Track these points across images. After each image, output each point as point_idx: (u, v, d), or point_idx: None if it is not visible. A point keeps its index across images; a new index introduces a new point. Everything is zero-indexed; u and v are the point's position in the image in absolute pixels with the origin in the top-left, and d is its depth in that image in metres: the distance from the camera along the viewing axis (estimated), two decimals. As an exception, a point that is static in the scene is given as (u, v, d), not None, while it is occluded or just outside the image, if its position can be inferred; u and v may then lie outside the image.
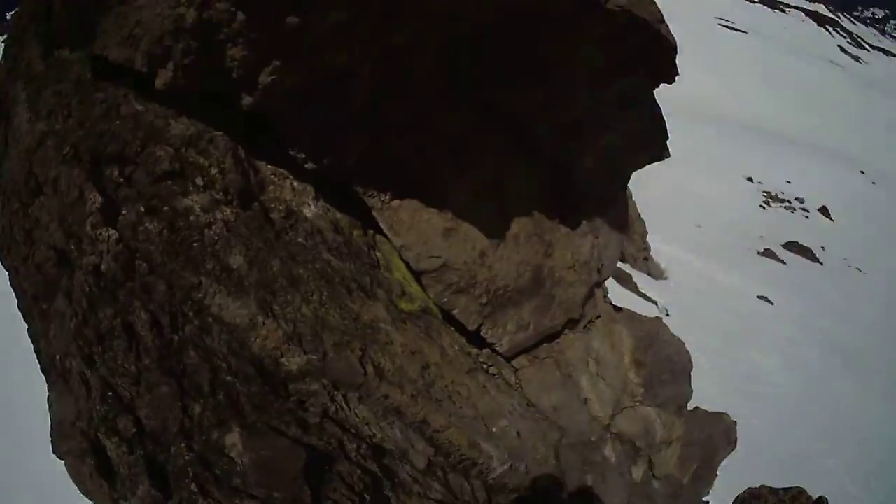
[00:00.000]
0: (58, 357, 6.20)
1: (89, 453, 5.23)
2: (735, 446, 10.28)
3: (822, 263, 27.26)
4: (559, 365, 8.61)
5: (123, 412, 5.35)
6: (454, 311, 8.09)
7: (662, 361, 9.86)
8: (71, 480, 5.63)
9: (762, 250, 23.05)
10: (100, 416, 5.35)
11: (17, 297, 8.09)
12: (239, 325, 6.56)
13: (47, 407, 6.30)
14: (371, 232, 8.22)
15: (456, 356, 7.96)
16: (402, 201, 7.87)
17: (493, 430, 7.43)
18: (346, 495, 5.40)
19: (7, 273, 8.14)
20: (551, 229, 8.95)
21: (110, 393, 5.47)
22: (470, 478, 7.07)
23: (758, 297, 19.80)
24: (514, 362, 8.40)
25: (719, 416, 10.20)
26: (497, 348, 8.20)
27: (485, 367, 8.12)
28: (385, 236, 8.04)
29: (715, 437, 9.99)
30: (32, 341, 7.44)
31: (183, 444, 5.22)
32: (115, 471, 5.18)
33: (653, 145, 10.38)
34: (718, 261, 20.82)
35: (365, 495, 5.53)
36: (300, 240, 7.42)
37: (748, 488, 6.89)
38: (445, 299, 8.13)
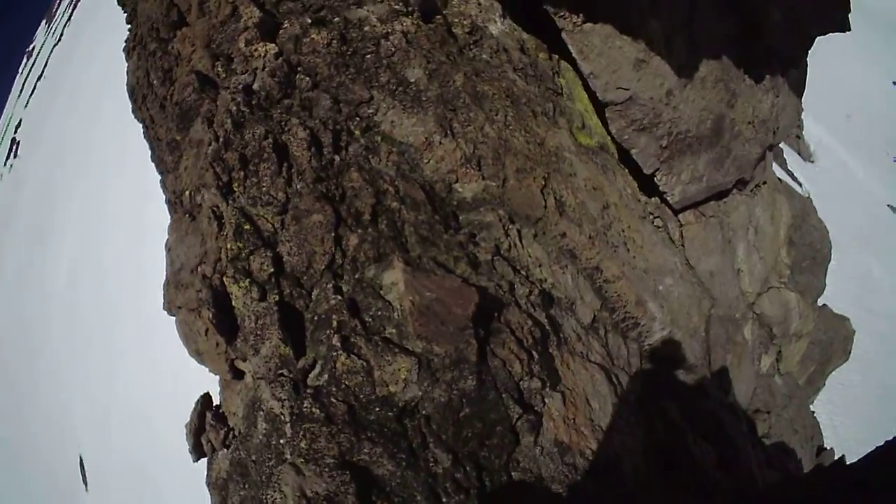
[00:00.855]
0: (187, 193, 5.52)
1: (209, 304, 4.63)
2: (848, 359, 9.75)
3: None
4: (723, 227, 7.89)
5: (261, 248, 4.73)
6: (633, 151, 7.34)
7: (808, 246, 9.13)
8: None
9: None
10: (231, 256, 4.73)
11: (150, 150, 7.34)
12: (412, 143, 5.72)
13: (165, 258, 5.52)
14: (556, 57, 7.20)
15: (629, 200, 7.19)
16: (594, 25, 6.85)
17: (660, 287, 6.78)
18: (514, 351, 4.74)
19: (141, 126, 7.32)
20: (736, 78, 7.99)
21: (248, 226, 4.82)
22: (628, 340, 6.48)
23: (888, 205, 18.55)
24: (680, 217, 7.68)
25: (843, 322, 9.57)
26: (668, 198, 7.49)
27: (652, 217, 7.42)
28: (570, 63, 7.04)
29: (835, 343, 9.43)
30: (163, 188, 6.72)
31: (330, 285, 4.57)
32: (239, 324, 4.57)
33: (836, 13, 9.44)
34: (861, 158, 19.39)
35: (533, 352, 4.87)
36: (485, 56, 6.41)
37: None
38: (626, 136, 7.36)
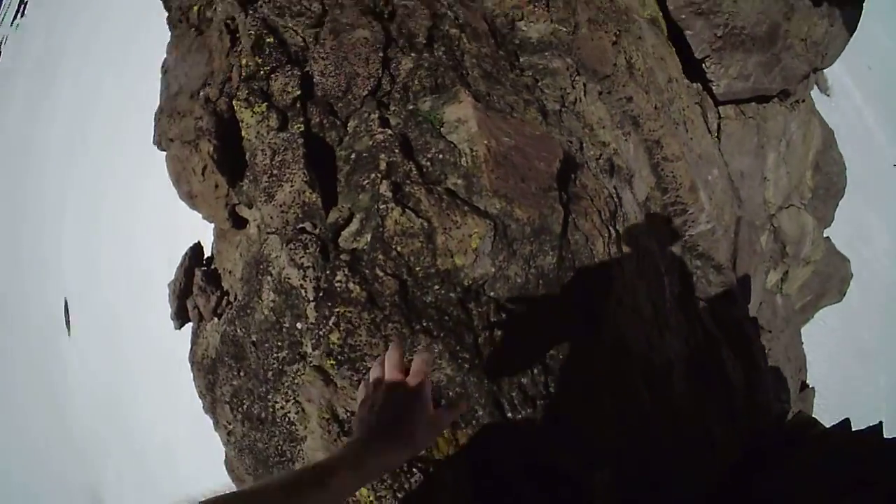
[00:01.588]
0: (196, 7, 4.12)
1: (210, 134, 3.28)
2: (841, 300, 8.98)
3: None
4: (759, 132, 6.78)
5: (286, 66, 3.36)
6: (688, 32, 6.11)
7: (828, 176, 8.12)
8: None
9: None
10: (246, 74, 3.35)
11: None
12: None
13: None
14: None
15: (683, 79, 5.84)
16: None
17: (708, 178, 5.58)
18: (597, 226, 3.54)
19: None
20: None
21: (271, 39, 3.42)
22: (670, 225, 5.30)
23: (894, 165, 17.51)
24: (720, 110, 6.46)
25: (844, 262, 8.77)
26: (713, 87, 6.32)
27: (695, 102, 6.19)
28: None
29: (833, 280, 8.67)
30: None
31: (375, 116, 3.25)
32: (248, 160, 3.26)
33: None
34: (876, 110, 18.07)
35: (609, 227, 3.69)
36: None
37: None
38: (683, 16, 6.09)
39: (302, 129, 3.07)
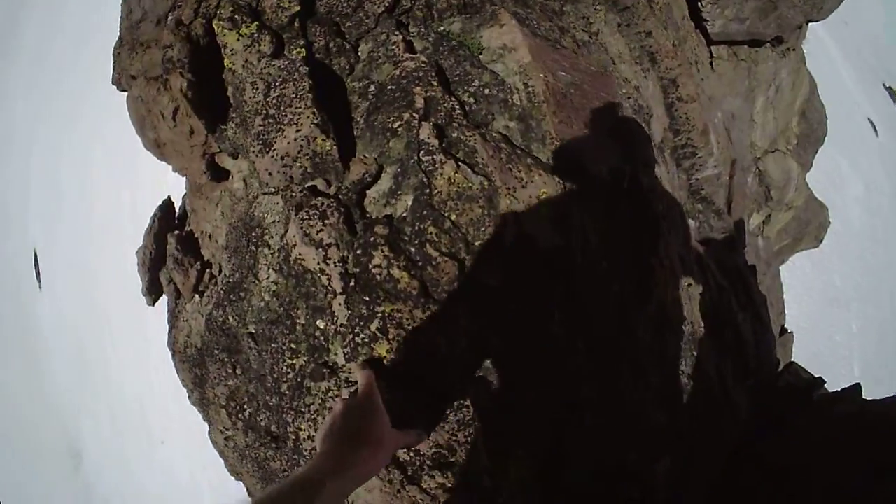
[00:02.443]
0: None
1: (183, 66, 2.32)
2: (818, 245, 8.54)
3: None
4: (750, 75, 6.06)
5: None
6: None
7: (811, 123, 7.56)
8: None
9: (887, 86, 18.79)
10: None
11: None
12: None
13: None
14: None
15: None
16: None
17: (714, 120, 4.87)
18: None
19: None
20: None
21: None
22: (680, 168, 4.64)
23: (868, 119, 16.82)
24: (712, 50, 5.72)
25: (822, 209, 8.35)
26: (707, 26, 5.49)
27: (688, 41, 5.43)
28: None
29: (811, 225, 8.23)
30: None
31: (397, 37, 2.38)
32: (232, 99, 2.37)
33: None
34: (851, 65, 17.20)
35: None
36: None
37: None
38: None
39: (304, 54, 2.14)
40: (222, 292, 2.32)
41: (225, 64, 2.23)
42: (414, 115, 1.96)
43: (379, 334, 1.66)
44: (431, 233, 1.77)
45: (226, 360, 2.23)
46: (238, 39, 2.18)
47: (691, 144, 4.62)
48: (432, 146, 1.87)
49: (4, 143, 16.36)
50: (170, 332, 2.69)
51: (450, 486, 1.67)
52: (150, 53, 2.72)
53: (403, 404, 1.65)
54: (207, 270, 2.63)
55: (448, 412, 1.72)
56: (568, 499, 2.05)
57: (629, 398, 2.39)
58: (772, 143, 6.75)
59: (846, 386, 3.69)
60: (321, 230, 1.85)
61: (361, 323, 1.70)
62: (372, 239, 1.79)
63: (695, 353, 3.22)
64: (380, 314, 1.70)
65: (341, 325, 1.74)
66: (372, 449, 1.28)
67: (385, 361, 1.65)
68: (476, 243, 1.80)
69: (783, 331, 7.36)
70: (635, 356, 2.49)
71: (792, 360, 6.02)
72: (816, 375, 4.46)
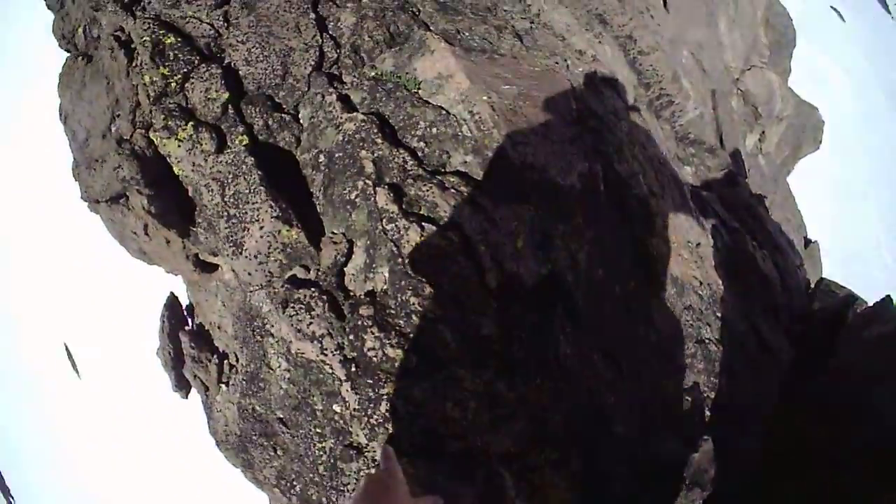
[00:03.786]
0: (80, 29, 3.31)
1: (137, 183, 2.42)
2: (818, 147, 8.29)
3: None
4: (705, 2, 5.85)
5: (201, 66, 2.48)
6: None
7: (777, 29, 7.31)
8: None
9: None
10: (155, 93, 2.45)
11: None
12: None
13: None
14: None
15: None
16: None
17: (683, 61, 4.75)
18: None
19: None
20: None
21: (171, 39, 2.62)
22: (660, 120, 4.54)
23: (831, 7, 16.17)
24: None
25: (813, 110, 8.07)
26: (646, -42, 5.27)
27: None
28: None
29: (806, 129, 7.97)
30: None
31: (331, 96, 2.51)
32: (197, 200, 2.34)
33: None
34: None
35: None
36: None
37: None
38: None
39: (245, 141, 2.11)
40: (244, 382, 2.34)
41: (175, 171, 2.22)
42: (367, 181, 1.93)
43: (389, 415, 1.66)
44: (414, 303, 1.75)
45: (265, 444, 2.26)
46: (179, 146, 2.15)
47: (665, 94, 4.52)
48: (392, 212, 1.84)
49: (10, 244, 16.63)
50: (208, 422, 2.73)
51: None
52: (105, 168, 2.72)
53: (427, 472, 1.66)
54: (225, 361, 2.66)
55: (474, 468, 1.72)
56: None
57: (656, 391, 2.37)
58: (746, 61, 6.56)
59: (879, 298, 3.62)
60: (311, 323, 1.84)
61: (371, 406, 1.70)
62: (360, 322, 1.77)
63: (718, 315, 3.17)
64: (385, 396, 1.69)
65: (354, 409, 1.74)
66: None
67: (401, 436, 1.66)
68: (462, 298, 1.78)
69: (807, 242, 7.22)
70: (654, 347, 2.46)
71: (822, 275, 5.92)
72: (846, 290, 4.39)
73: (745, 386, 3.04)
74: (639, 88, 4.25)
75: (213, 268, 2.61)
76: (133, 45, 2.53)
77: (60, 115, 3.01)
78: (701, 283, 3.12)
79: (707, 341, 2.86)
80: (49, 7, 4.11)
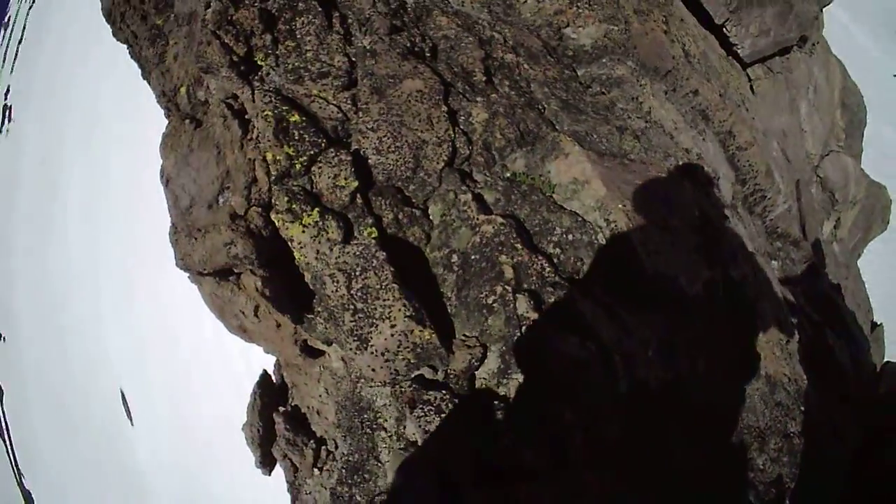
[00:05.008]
0: (183, 89, 3.25)
1: (252, 263, 2.34)
2: (886, 228, 8.04)
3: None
4: (788, 84, 5.88)
5: (328, 149, 2.45)
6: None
7: (851, 109, 7.26)
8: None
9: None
10: (278, 173, 2.43)
11: (140, 69, 4.27)
12: None
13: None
14: None
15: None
16: None
17: (774, 154, 4.71)
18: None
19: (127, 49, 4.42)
20: None
21: (296, 117, 2.49)
22: (753, 215, 4.48)
23: (894, 75, 16.15)
24: (749, 72, 5.60)
25: (882, 189, 7.90)
26: (738, 50, 5.43)
27: (729, 75, 5.31)
28: None
29: (875, 210, 7.77)
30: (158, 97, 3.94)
31: (465, 195, 2.38)
32: (317, 289, 2.35)
33: None
34: (863, 24, 16.75)
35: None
36: None
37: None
38: None
39: (375, 234, 2.13)
40: (344, 471, 2.27)
41: (295, 257, 2.25)
42: (506, 287, 1.91)
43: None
44: (547, 408, 1.69)
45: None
46: (303, 231, 2.19)
47: (759, 189, 4.47)
48: (531, 320, 1.81)
49: (71, 288, 17.34)
50: (293, 502, 2.67)
51: None
52: (209, 239, 2.77)
53: None
54: (323, 447, 2.60)
55: None
56: None
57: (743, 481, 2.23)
58: (824, 146, 6.45)
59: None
60: (435, 421, 1.80)
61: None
62: (498, 427, 1.72)
63: (802, 409, 3.03)
64: (514, 498, 1.62)
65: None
66: None
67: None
68: (594, 403, 1.71)
69: (873, 326, 6.90)
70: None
71: (886, 357, 5.62)
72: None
73: (817, 474, 2.87)
74: (736, 185, 4.22)
75: (318, 353, 2.60)
76: (247, 116, 2.62)
77: (161, 176, 3.12)
78: (789, 380, 2.99)
79: (792, 435, 2.73)
80: (141, 62, 4.35)
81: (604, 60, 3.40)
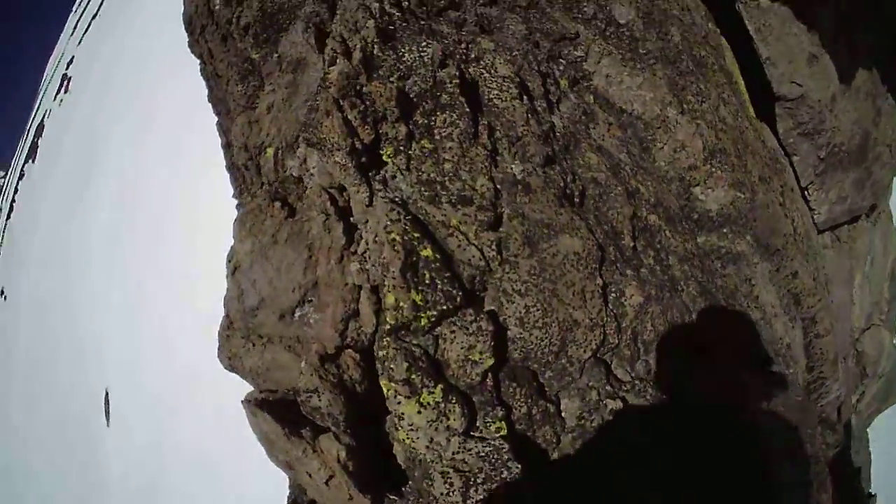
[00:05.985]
0: (271, 151, 2.80)
1: (338, 426, 1.98)
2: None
3: None
4: (850, 255, 5.79)
5: (465, 308, 2.06)
6: (795, 158, 5.14)
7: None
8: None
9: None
10: (397, 323, 1.95)
11: (208, 89, 3.92)
12: (642, 115, 3.00)
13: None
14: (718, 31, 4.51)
15: (804, 224, 4.80)
16: (773, 4, 4.33)
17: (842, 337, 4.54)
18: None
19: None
20: (882, 95, 5.85)
21: (429, 252, 2.02)
22: (809, 400, 4.23)
23: None
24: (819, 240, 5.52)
25: None
26: (815, 216, 5.28)
27: (801, 242, 5.20)
28: (731, 43, 4.38)
29: (893, 382, 7.69)
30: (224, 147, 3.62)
31: (608, 399, 2.08)
32: (415, 477, 1.96)
33: None
34: None
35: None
36: (675, 12, 3.61)
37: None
38: (791, 140, 5.20)
39: (503, 431, 1.74)
40: None
41: (400, 437, 1.84)
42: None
43: None
44: None
45: None
46: (419, 412, 1.78)
47: (822, 377, 4.24)
48: None
49: (83, 283, 16.63)
50: None
51: None
52: (270, 352, 2.35)
53: None
54: None
55: None
56: None
57: None
58: (868, 319, 6.33)
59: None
60: None
61: None
62: None
63: None
64: None
65: None
66: None
67: None
68: None
69: (869, 496, 6.72)
70: None
71: None
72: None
73: None
74: (805, 373, 3.98)
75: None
76: (352, 219, 2.23)
77: (229, 260, 2.68)
78: None
79: None
80: (220, 115, 3.96)
81: (724, 231, 3.14)
